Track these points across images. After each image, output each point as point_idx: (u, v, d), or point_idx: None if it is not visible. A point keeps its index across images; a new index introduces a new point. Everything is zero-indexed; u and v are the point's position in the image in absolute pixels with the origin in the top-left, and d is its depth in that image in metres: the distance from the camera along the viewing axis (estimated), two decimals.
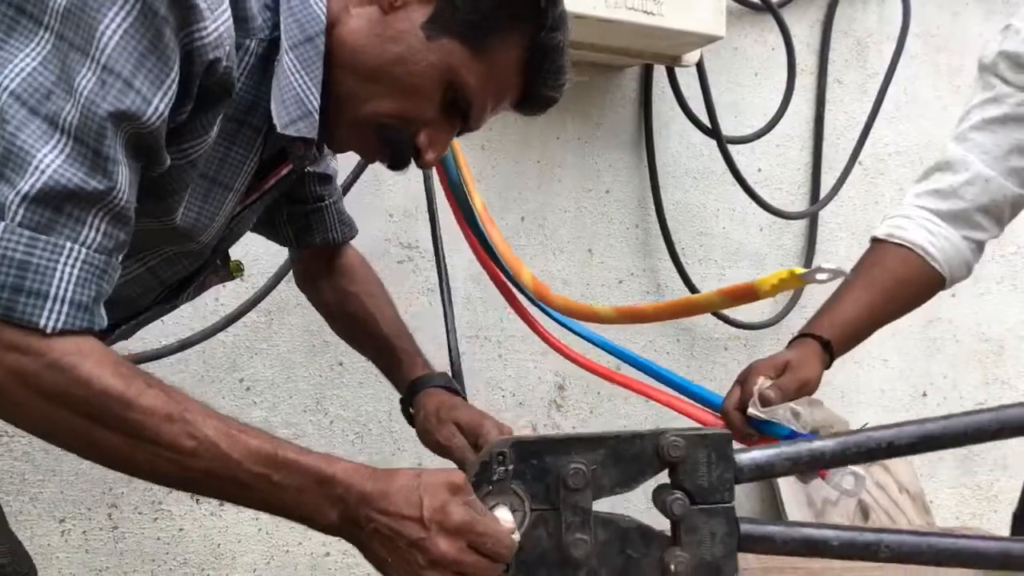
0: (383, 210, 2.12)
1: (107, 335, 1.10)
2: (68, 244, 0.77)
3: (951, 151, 1.34)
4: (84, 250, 0.78)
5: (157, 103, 0.80)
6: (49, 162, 0.76)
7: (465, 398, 1.30)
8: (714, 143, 2.43)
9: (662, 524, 0.90)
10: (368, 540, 0.85)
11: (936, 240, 1.30)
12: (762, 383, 1.16)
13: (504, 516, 0.85)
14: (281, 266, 1.92)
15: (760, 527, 0.89)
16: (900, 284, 1.29)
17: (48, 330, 0.76)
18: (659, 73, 2.41)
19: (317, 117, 0.95)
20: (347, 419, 2.10)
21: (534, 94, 1.02)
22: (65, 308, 0.77)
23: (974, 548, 0.88)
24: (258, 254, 1.94)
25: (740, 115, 2.54)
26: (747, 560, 1.25)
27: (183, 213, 0.95)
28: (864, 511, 2.44)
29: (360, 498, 0.84)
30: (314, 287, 1.40)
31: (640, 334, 2.42)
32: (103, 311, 0.81)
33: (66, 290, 0.77)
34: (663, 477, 0.89)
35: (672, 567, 0.86)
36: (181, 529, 1.93)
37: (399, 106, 0.96)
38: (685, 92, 2.39)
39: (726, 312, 2.46)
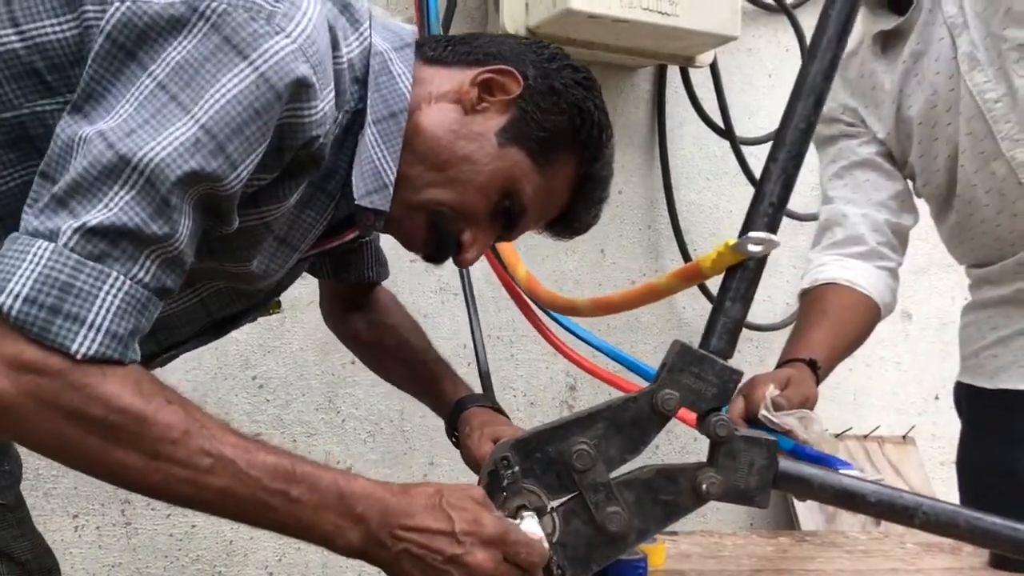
0: None
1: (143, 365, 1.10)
2: (114, 273, 0.76)
3: (826, 213, 1.49)
4: (129, 282, 0.77)
5: (241, 170, 0.81)
6: (117, 199, 0.76)
7: (506, 416, 1.29)
8: (727, 144, 2.42)
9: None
10: (397, 560, 0.82)
11: (854, 273, 1.42)
12: (772, 390, 1.17)
13: (531, 527, 0.84)
14: None
15: (799, 468, 0.88)
16: (846, 310, 1.40)
17: (79, 356, 0.74)
18: (673, 73, 2.41)
19: (392, 191, 0.97)
20: (359, 417, 2.10)
21: (573, 219, 1.08)
22: (100, 336, 0.75)
23: (1011, 534, 0.86)
24: None
25: (754, 116, 2.54)
26: (750, 562, 1.25)
27: (255, 264, 0.97)
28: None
29: (383, 514, 0.82)
30: (344, 319, 1.40)
31: (652, 335, 2.42)
32: (137, 347, 0.79)
33: (104, 318, 0.75)
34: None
35: (704, 487, 0.86)
36: (194, 526, 1.94)
37: (457, 199, 0.99)
38: (699, 93, 2.39)
39: None
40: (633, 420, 0.87)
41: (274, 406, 2.02)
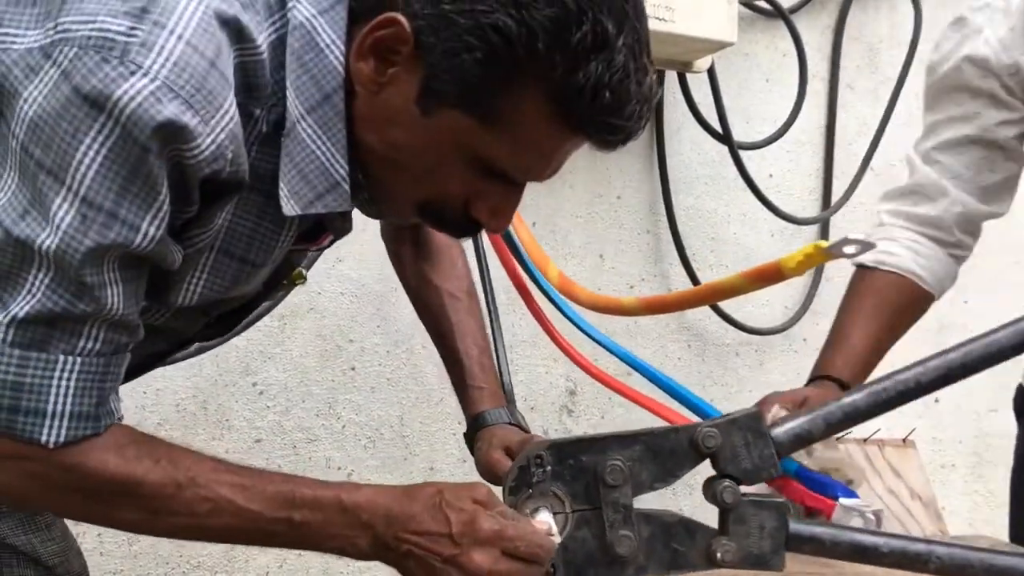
0: None
1: (153, 365, 1.10)
2: (61, 357, 0.75)
3: (923, 174, 1.34)
4: (79, 359, 0.76)
5: (147, 228, 0.75)
6: (37, 284, 0.74)
7: (528, 431, 1.21)
8: (725, 149, 2.43)
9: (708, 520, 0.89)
10: (404, 561, 0.85)
11: (926, 262, 1.31)
12: (776, 412, 1.15)
13: (544, 519, 0.86)
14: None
15: (809, 527, 0.89)
16: (899, 313, 1.31)
17: (50, 446, 0.76)
18: (670, 79, 2.41)
19: (347, 186, 0.84)
20: (359, 423, 2.10)
21: (602, 131, 0.84)
22: (65, 423, 0.76)
23: None
24: None
25: (751, 121, 2.54)
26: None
27: (203, 290, 0.89)
28: (877, 517, 2.43)
29: (387, 520, 0.84)
30: (398, 254, 1.27)
31: (651, 339, 2.42)
32: (112, 406, 0.81)
33: (63, 404, 0.76)
34: (701, 471, 0.89)
35: (719, 555, 0.86)
36: None
37: (426, 190, 0.85)
38: (696, 98, 2.39)
39: (738, 318, 2.46)
40: (671, 450, 0.87)
41: (274, 412, 2.02)
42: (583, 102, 0.80)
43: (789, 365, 2.57)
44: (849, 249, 0.80)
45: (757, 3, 2.46)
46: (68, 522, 1.13)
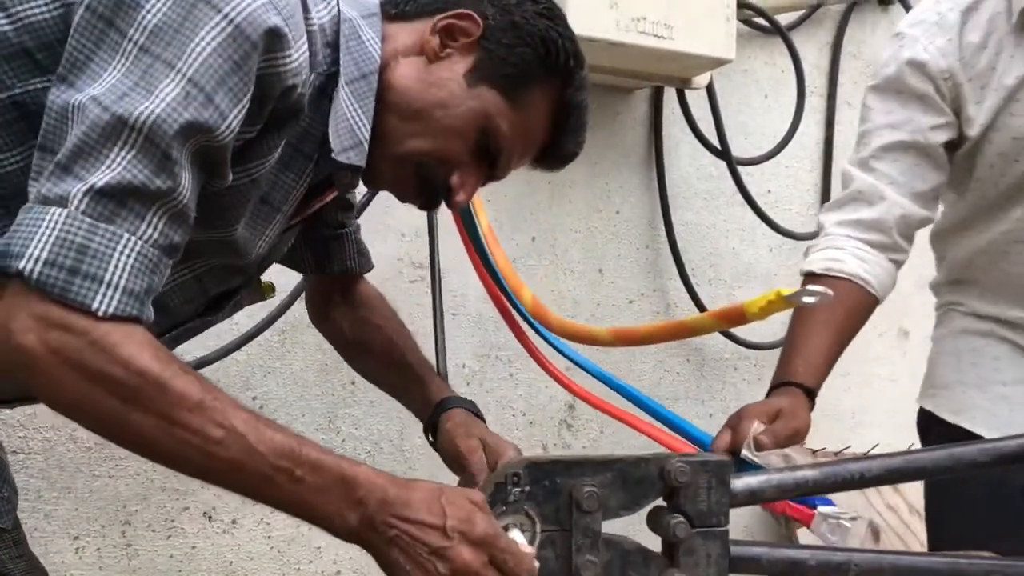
0: (396, 230, 2.14)
1: None
2: (126, 235, 0.79)
3: (861, 181, 1.39)
4: (140, 242, 0.80)
5: (231, 120, 0.84)
6: (119, 159, 0.79)
7: (484, 420, 1.30)
8: (724, 164, 2.44)
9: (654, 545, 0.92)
10: (386, 547, 0.85)
11: (871, 268, 1.36)
12: (756, 427, 1.17)
13: (522, 540, 0.86)
14: (295, 286, 1.93)
15: (748, 549, 0.95)
16: (850, 318, 1.35)
17: (100, 313, 0.77)
18: (669, 95, 2.43)
19: (367, 147, 1.00)
20: (359, 438, 2.11)
21: (557, 148, 1.10)
22: (118, 295, 0.79)
23: (927, 566, 0.98)
24: (271, 274, 1.95)
25: (750, 137, 2.56)
26: None
27: (240, 228, 0.99)
28: (875, 533, 2.43)
29: (381, 502, 0.85)
30: (329, 317, 1.41)
31: (650, 354, 2.43)
32: (151, 306, 0.82)
33: (120, 277, 0.79)
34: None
35: None
36: (194, 547, 1.94)
37: (437, 145, 1.02)
38: (695, 114, 2.41)
39: (736, 332, 2.47)
40: (639, 480, 0.89)
41: None
42: (570, 118, 1.07)
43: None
44: (808, 299, 0.85)
45: (755, 20, 2.48)
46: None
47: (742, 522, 2.43)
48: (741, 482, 0.94)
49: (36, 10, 0.88)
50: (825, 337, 1.32)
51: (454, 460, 1.22)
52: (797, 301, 0.84)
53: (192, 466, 0.82)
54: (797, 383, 1.27)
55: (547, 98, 1.05)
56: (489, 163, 1.06)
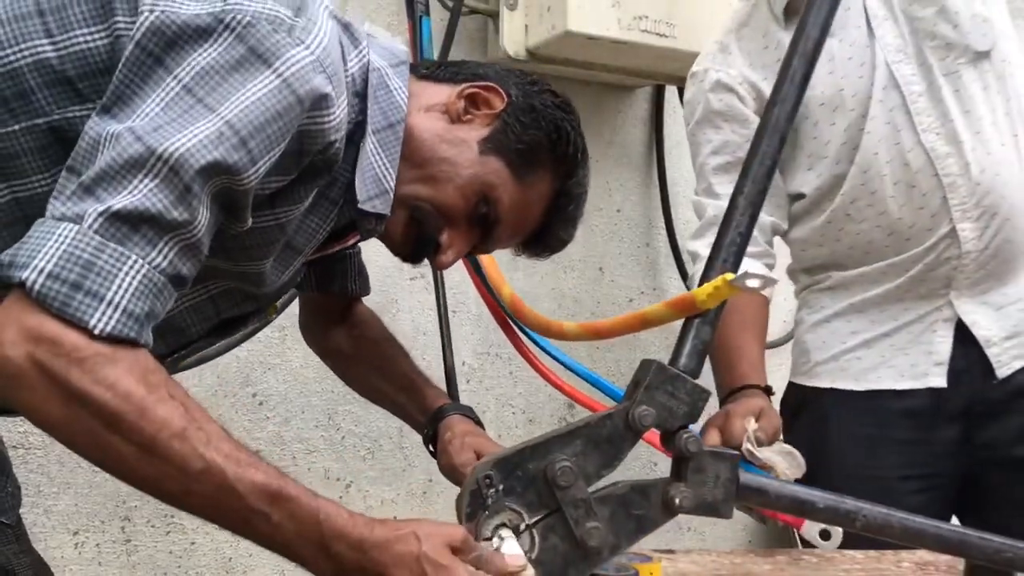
0: None
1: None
2: (134, 257, 0.79)
3: (712, 207, 1.53)
4: (147, 266, 0.79)
5: (259, 166, 0.85)
6: (141, 187, 0.79)
7: (483, 426, 1.32)
8: None
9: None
10: None
11: (756, 271, 1.43)
12: (752, 425, 1.18)
13: (512, 549, 0.85)
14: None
15: (757, 479, 0.94)
16: (761, 319, 1.47)
17: (96, 331, 0.76)
18: (670, 93, 2.43)
19: (392, 196, 1.03)
20: (359, 434, 2.11)
21: (548, 234, 1.13)
22: (117, 314, 0.77)
23: (936, 533, 0.96)
24: None
25: None
26: None
27: (268, 264, 1.01)
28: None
29: (357, 565, 0.82)
30: (325, 333, 1.43)
31: (650, 352, 2.43)
32: (150, 332, 0.81)
33: (123, 297, 0.78)
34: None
35: (676, 500, 0.89)
36: (193, 543, 1.94)
37: (436, 194, 1.05)
38: None
39: None
40: (609, 437, 0.89)
41: (274, 423, 2.03)
42: (567, 207, 1.11)
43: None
44: (751, 283, 0.85)
45: None
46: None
47: (743, 533, 2.43)
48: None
49: (82, 39, 0.88)
50: (756, 339, 1.43)
51: (449, 472, 1.26)
52: (741, 286, 0.84)
53: (169, 497, 0.80)
54: (753, 385, 1.34)
55: (549, 183, 1.09)
56: (482, 232, 1.08)
